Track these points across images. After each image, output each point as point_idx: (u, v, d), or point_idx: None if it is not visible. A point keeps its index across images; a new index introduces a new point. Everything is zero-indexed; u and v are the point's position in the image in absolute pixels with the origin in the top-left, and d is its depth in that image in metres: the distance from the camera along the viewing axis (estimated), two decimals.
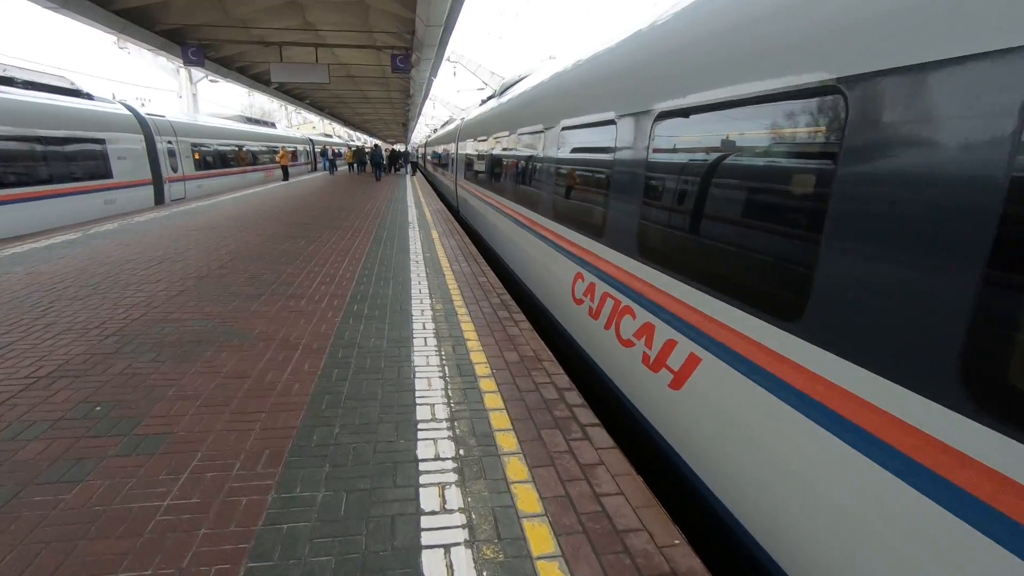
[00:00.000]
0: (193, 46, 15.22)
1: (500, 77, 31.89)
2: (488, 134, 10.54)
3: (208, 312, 5.43)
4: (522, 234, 7.22)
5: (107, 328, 4.90)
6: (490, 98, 13.36)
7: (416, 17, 12.42)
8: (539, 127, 6.23)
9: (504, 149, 8.85)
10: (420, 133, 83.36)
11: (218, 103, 36.51)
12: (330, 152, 28.00)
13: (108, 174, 13.43)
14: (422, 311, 5.67)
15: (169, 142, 16.86)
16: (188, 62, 15.36)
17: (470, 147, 13.70)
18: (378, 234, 10.60)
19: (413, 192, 20.92)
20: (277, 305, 5.73)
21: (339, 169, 37.95)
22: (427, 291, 6.46)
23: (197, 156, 18.90)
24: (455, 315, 5.57)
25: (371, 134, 79.54)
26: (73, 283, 6.43)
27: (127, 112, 15.04)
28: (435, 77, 20.86)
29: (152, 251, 8.49)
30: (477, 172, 11.99)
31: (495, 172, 9.57)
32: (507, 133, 8.65)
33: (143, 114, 15.76)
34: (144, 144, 15.33)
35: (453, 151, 17.80)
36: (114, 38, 28.67)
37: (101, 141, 13.28)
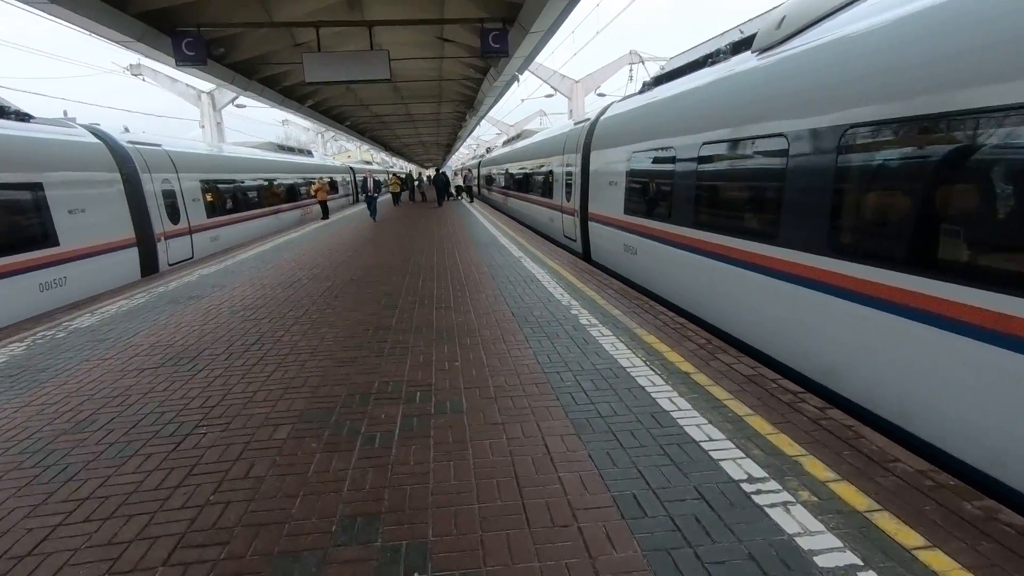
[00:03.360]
0: (190, 35, 9.74)
1: (573, 81, 26.17)
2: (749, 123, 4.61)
3: None
4: None
5: None
6: (673, 73, 7.42)
7: None
8: None
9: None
10: (458, 157, 78.35)
11: (249, 134, 31.42)
12: (370, 181, 17.92)
13: (48, 239, 7.91)
14: None
15: (166, 181, 11.39)
16: (183, 59, 9.88)
17: (635, 158, 7.76)
18: (552, 369, 4.64)
19: (493, 226, 15.08)
20: None
21: (377, 200, 32.69)
22: None
23: (211, 197, 13.45)
24: None
25: (409, 159, 74.90)
26: None
27: (92, 140, 9.58)
28: (521, 74, 15.10)
29: None
30: (701, 202, 6.01)
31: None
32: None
33: (122, 142, 10.30)
34: (122, 186, 9.84)
35: (567, 168, 11.85)
36: (128, 63, 23.95)
37: (35, 187, 7.78)
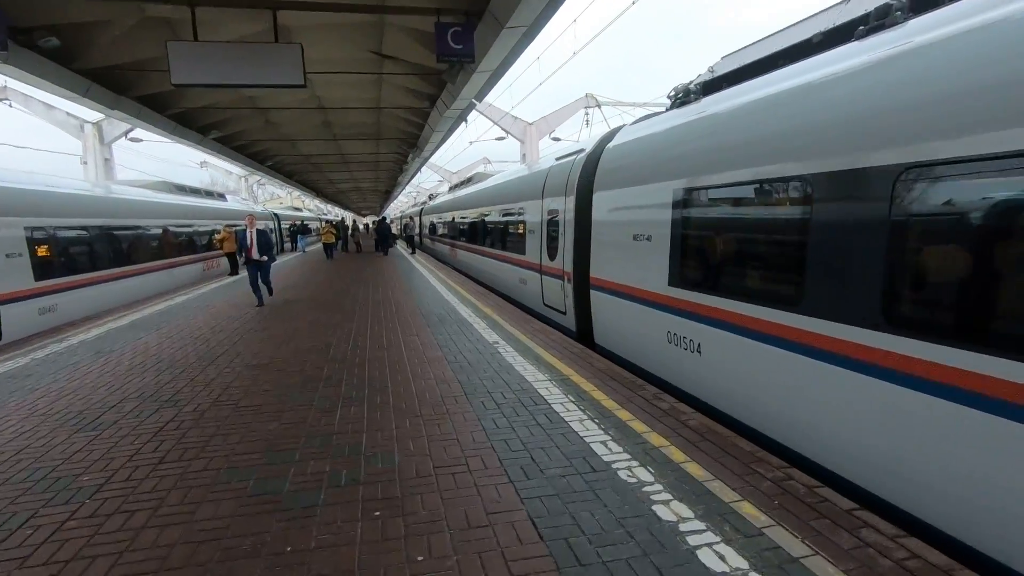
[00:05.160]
0: None
1: (526, 123, 23.76)
2: None
3: None
4: None
5: None
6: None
7: None
8: None
9: None
10: (396, 205, 74.84)
11: (153, 176, 26.66)
12: (250, 234, 10.08)
13: None
14: None
15: None
16: None
17: (693, 201, 4.84)
18: None
19: (445, 287, 11.72)
20: None
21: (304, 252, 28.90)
22: None
23: (46, 251, 9.36)
24: None
25: (345, 206, 70.73)
26: None
27: None
28: (480, 101, 12.17)
29: None
30: None
31: None
32: None
33: None
34: None
35: (550, 217, 8.78)
36: None
37: None
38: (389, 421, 4.20)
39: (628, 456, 3.52)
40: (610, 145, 7.00)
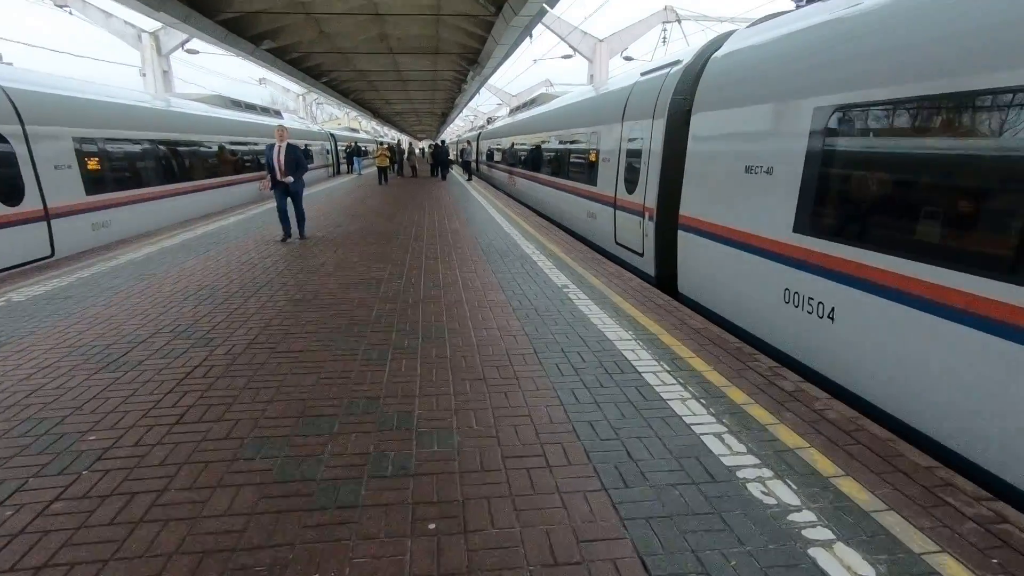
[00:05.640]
0: None
1: (596, 39, 21.58)
2: None
3: None
4: None
5: None
6: None
7: None
8: None
9: None
10: (453, 130, 72.92)
11: (211, 91, 26.22)
12: (277, 152, 8.51)
13: None
14: None
15: None
16: None
17: (843, 123, 3.62)
18: None
19: (504, 217, 10.79)
20: None
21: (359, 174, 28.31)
22: None
23: (95, 164, 8.99)
24: None
25: (401, 129, 69.54)
26: None
27: None
28: (553, 6, 10.64)
29: None
30: None
31: None
32: None
33: None
34: None
35: (630, 144, 7.59)
36: None
37: None
38: (446, 383, 3.48)
39: (756, 460, 2.66)
40: (718, 54, 5.66)
